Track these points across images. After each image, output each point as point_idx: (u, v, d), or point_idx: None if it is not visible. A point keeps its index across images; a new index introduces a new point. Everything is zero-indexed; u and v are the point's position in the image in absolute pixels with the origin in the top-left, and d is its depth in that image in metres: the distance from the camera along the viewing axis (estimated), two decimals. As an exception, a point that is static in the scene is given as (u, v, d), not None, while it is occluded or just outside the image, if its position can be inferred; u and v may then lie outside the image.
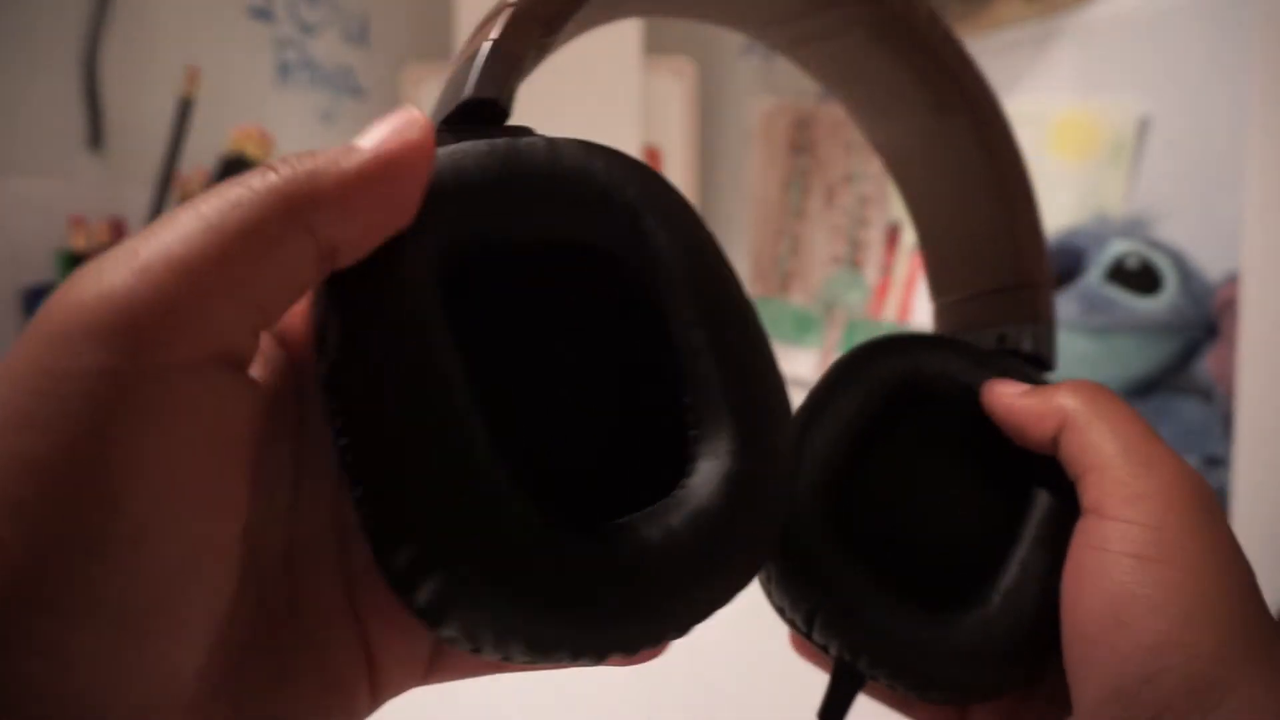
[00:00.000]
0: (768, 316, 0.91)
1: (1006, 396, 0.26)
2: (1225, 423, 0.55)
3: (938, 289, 0.33)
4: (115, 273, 0.15)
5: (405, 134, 0.18)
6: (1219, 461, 0.54)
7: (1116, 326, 0.57)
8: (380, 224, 0.18)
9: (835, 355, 0.85)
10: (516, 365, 0.20)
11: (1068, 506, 0.25)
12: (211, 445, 0.16)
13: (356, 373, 0.18)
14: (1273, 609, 0.43)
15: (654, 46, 0.81)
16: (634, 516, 0.19)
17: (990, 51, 0.75)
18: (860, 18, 0.28)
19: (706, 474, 0.19)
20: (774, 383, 0.21)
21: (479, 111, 0.21)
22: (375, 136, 0.18)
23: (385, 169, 0.18)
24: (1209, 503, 0.23)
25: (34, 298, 0.65)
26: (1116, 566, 0.22)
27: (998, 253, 0.30)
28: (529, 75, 0.23)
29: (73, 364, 0.15)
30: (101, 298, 0.15)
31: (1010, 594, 0.25)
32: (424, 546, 0.17)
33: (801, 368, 0.85)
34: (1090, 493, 0.24)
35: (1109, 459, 0.24)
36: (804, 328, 0.87)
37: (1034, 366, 0.29)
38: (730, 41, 0.90)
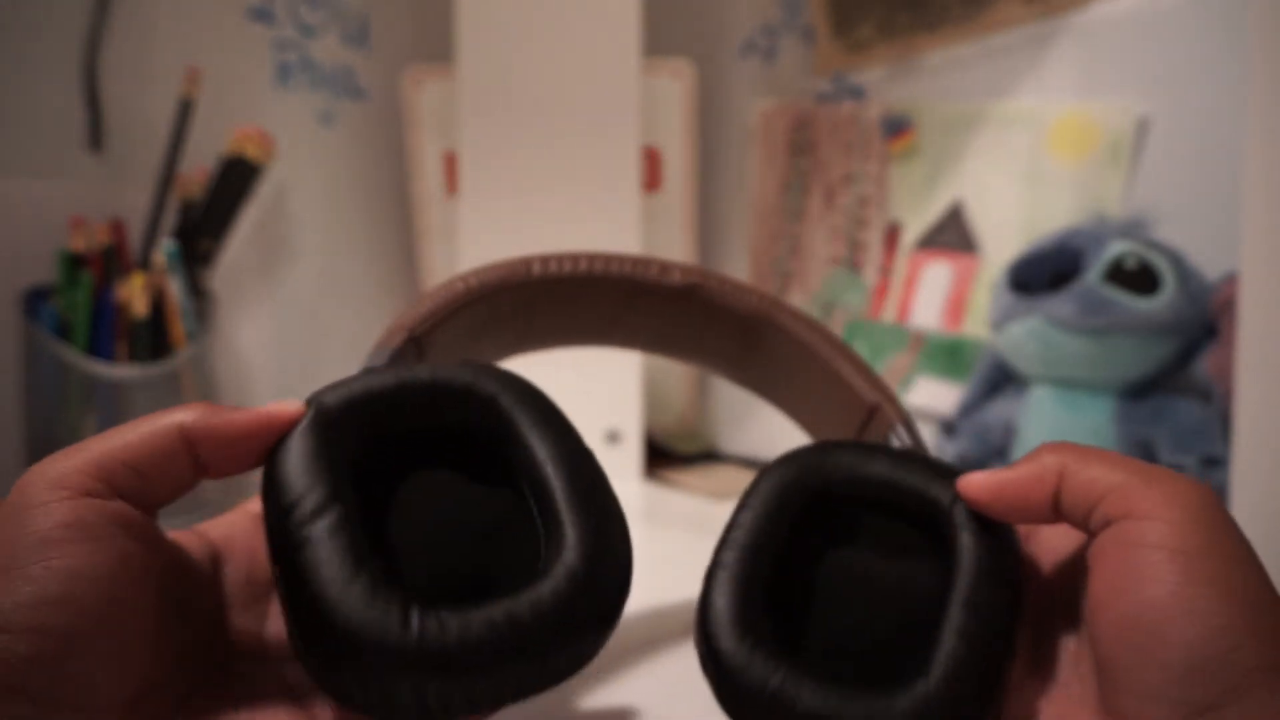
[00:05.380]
0: (767, 317, 0.91)
1: (991, 480, 0.28)
2: (1224, 423, 0.55)
3: None
4: (67, 461, 0.25)
5: (273, 411, 0.27)
6: (1218, 462, 0.54)
7: (1115, 327, 0.57)
8: (237, 463, 0.27)
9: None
10: (416, 509, 0.28)
11: (988, 570, 0.27)
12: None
13: (278, 531, 0.26)
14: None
15: (653, 48, 0.81)
16: (490, 604, 0.25)
17: (989, 53, 0.75)
18: (664, 301, 0.38)
19: (552, 572, 0.26)
20: (605, 498, 0.28)
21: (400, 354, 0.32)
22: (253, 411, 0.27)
23: (249, 430, 0.27)
24: (1222, 506, 0.25)
25: (34, 298, 0.65)
26: (1157, 562, 0.24)
27: (847, 402, 0.37)
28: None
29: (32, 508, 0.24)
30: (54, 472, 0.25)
31: (949, 658, 0.26)
32: (326, 647, 0.25)
33: (801, 368, 0.85)
34: (1114, 506, 0.25)
35: (1122, 480, 0.25)
36: (803, 328, 0.87)
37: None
38: (729, 43, 0.90)
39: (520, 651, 0.25)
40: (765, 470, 0.31)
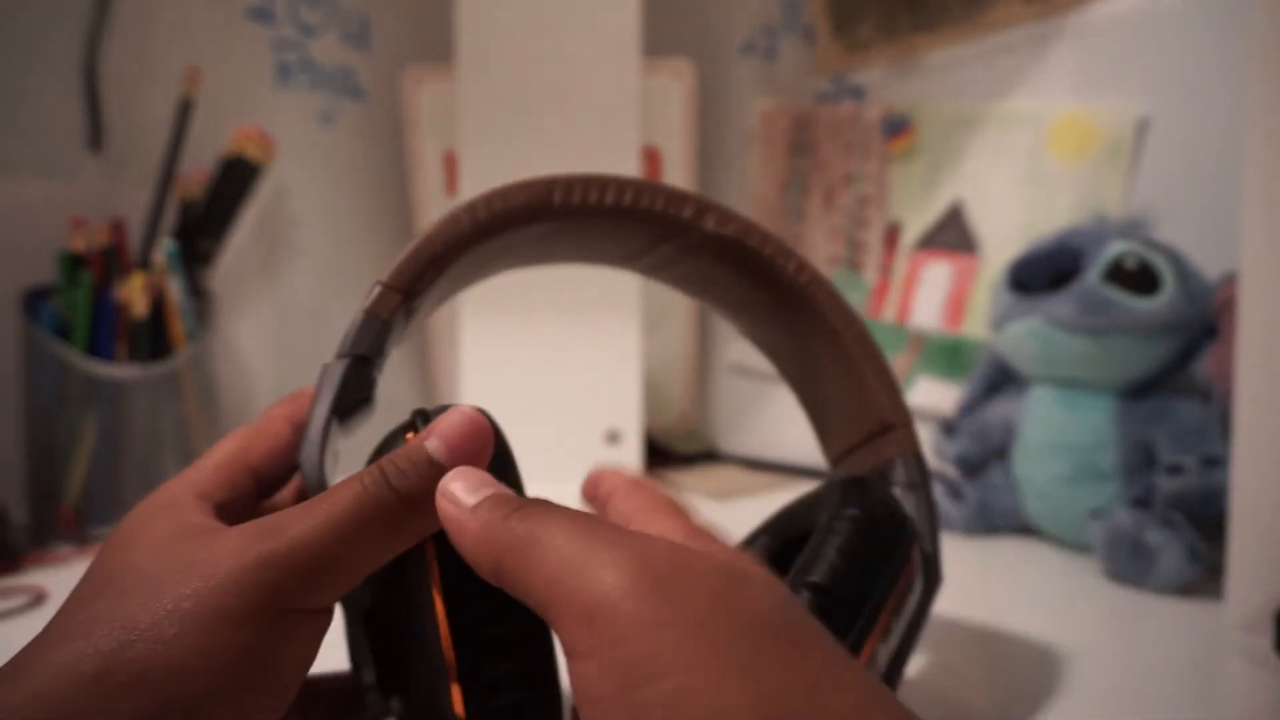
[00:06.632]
0: (767, 317, 0.91)
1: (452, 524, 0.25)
2: (1224, 423, 0.55)
3: (826, 448, 0.39)
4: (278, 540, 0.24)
5: (476, 439, 0.26)
6: (1218, 462, 0.54)
7: (1115, 327, 0.57)
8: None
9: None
10: None
11: None
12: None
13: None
14: (1273, 610, 0.43)
15: (653, 48, 0.81)
16: None
17: (989, 53, 0.75)
18: (695, 245, 0.35)
19: None
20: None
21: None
22: (445, 438, 0.26)
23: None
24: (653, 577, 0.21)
25: (34, 298, 0.65)
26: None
27: (862, 408, 0.36)
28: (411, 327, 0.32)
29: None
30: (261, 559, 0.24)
31: None
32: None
33: (801, 368, 0.85)
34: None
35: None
36: (803, 328, 0.87)
37: (906, 487, 0.34)
38: (729, 43, 0.90)
39: None
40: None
